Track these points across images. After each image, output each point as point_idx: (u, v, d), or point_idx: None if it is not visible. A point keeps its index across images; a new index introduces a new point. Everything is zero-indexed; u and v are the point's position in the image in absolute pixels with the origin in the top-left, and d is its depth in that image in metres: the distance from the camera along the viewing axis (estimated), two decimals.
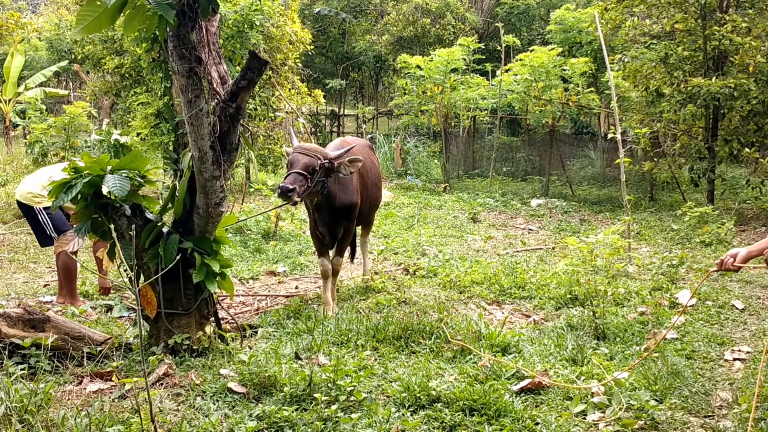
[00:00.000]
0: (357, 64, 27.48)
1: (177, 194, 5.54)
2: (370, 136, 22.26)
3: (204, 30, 5.52)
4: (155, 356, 5.25)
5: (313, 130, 27.13)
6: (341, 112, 28.89)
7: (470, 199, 15.27)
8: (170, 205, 5.63)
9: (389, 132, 24.29)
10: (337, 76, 26.12)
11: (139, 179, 5.48)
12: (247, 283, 8.53)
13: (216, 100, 5.36)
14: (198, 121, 5.19)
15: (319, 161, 6.44)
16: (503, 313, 7.25)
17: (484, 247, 10.58)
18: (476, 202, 14.72)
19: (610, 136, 10.08)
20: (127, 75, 16.66)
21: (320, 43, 26.24)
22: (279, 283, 8.55)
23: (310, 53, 17.00)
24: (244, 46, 10.49)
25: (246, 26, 10.50)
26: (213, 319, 5.85)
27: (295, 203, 6.39)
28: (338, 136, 28.64)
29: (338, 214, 7.05)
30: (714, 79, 12.21)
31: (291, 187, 6.16)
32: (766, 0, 12.42)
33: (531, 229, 12.39)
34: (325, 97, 22.54)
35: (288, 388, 4.75)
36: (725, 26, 12.09)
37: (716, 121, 13.10)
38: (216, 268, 5.51)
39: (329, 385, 4.78)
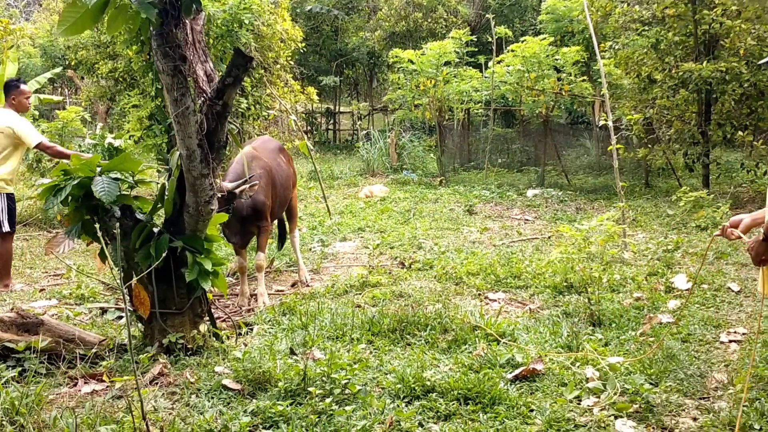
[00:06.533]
0: (351, 60, 27.50)
1: (166, 193, 5.54)
2: (365, 132, 22.22)
3: (189, 28, 5.51)
4: (145, 355, 5.25)
5: (309, 128, 27.17)
6: (336, 110, 28.89)
7: (466, 191, 15.26)
8: (160, 204, 5.62)
9: (385, 128, 24.27)
10: (331, 74, 26.11)
11: (130, 181, 5.49)
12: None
13: (202, 98, 5.36)
14: (185, 119, 5.18)
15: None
16: (499, 302, 7.25)
17: (480, 238, 10.57)
18: (472, 194, 14.72)
19: (601, 123, 10.06)
20: (121, 79, 16.63)
21: (313, 40, 26.25)
22: (273, 280, 8.54)
23: (302, 51, 16.99)
24: (234, 45, 10.47)
25: (235, 25, 10.49)
26: (207, 317, 5.85)
27: None
28: (334, 133, 28.68)
29: (246, 221, 7.55)
30: (705, 63, 12.18)
31: None
32: None
33: (527, 220, 12.38)
34: (319, 94, 22.52)
35: (282, 383, 4.76)
36: (715, 10, 12.07)
37: (709, 106, 13.08)
38: (208, 266, 5.50)
39: (324, 378, 4.78)
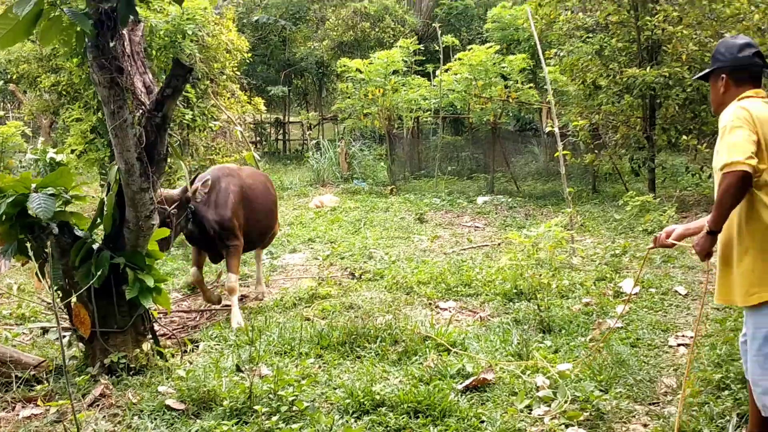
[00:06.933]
0: (299, 70, 27.34)
1: (105, 209, 5.38)
2: (314, 141, 22.08)
3: (127, 39, 5.41)
4: (82, 377, 5.08)
5: (258, 139, 26.94)
6: (286, 120, 28.72)
7: (417, 199, 15.24)
8: (99, 220, 5.46)
9: (335, 137, 24.17)
10: (279, 84, 25.95)
11: (66, 196, 5.32)
12: (190, 296, 8.35)
13: (141, 110, 5.24)
14: (122, 132, 5.04)
15: (166, 211, 6.51)
16: (450, 311, 7.21)
17: (430, 246, 10.53)
18: (423, 202, 14.70)
19: (547, 129, 10.11)
20: (64, 92, 16.23)
21: (261, 51, 26.06)
22: (223, 294, 8.36)
23: (250, 62, 16.83)
24: (178, 56, 10.30)
25: (178, 36, 10.32)
26: (150, 335, 5.69)
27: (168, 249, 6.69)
28: (283, 144, 28.50)
29: (211, 233, 7.16)
30: (649, 68, 12.33)
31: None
32: None
33: (477, 227, 12.39)
34: (269, 105, 22.26)
35: (228, 402, 4.64)
36: (657, 16, 12.22)
37: (653, 111, 13.23)
38: (150, 283, 5.35)
39: (270, 396, 4.67)
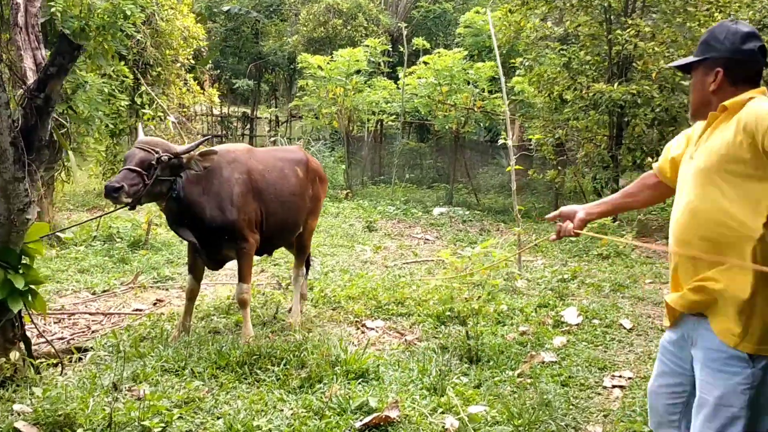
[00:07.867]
0: (270, 64, 26.68)
1: None
2: (272, 139, 21.41)
3: (22, 9, 4.87)
4: None
5: (224, 132, 26.27)
6: (254, 115, 28.04)
7: (371, 206, 14.66)
8: None
9: (303, 135, 23.54)
10: (246, 77, 25.25)
11: None
12: (100, 297, 7.69)
13: (22, 90, 4.63)
14: None
15: (157, 155, 5.43)
16: (377, 331, 6.63)
17: (373, 258, 9.94)
18: (376, 209, 14.13)
19: (500, 141, 9.56)
20: None
21: (233, 42, 25.40)
22: (136, 297, 7.71)
23: (221, 51, 16.20)
24: (117, 39, 9.65)
25: (119, 17, 9.64)
26: (21, 342, 5.05)
27: (128, 206, 5.46)
28: (250, 139, 27.86)
29: (210, 232, 5.88)
30: (617, 85, 11.82)
31: (117, 185, 5.16)
32: (673, 4, 12.06)
33: (428, 239, 11.82)
34: (239, 98, 21.47)
35: (83, 430, 4.00)
36: (629, 30, 11.72)
37: (620, 129, 12.74)
38: (20, 285, 4.71)
39: (136, 424, 4.05)
